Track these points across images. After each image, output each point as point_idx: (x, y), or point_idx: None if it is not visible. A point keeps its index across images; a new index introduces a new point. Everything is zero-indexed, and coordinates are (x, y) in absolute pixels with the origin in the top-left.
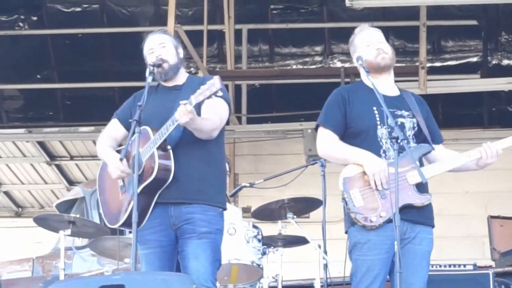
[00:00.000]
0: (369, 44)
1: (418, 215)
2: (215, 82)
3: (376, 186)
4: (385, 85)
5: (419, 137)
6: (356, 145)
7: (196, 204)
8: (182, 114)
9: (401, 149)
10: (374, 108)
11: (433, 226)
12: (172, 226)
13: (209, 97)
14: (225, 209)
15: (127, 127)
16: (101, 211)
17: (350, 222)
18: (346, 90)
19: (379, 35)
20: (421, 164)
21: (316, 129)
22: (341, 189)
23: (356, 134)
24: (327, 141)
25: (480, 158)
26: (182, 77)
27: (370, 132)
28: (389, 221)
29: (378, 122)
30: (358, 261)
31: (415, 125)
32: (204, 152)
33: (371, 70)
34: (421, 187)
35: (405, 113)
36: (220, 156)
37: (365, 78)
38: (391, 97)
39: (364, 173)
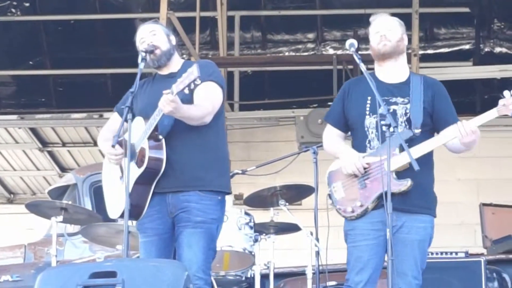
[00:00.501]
0: (377, 31)
1: (402, 203)
2: (194, 70)
3: (352, 175)
4: (390, 72)
5: (410, 123)
6: (353, 136)
7: (193, 191)
8: (165, 104)
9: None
10: (369, 97)
11: (427, 214)
12: (169, 214)
13: (189, 85)
14: (227, 193)
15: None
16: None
17: None
18: (350, 83)
19: (389, 22)
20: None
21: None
22: (326, 183)
23: (352, 125)
24: (325, 137)
25: (456, 136)
26: (176, 64)
27: (359, 123)
28: (374, 208)
29: (367, 112)
30: (350, 248)
31: (407, 111)
32: (199, 139)
33: (376, 57)
34: (402, 174)
35: (400, 99)
36: (218, 141)
37: (375, 65)
38: (390, 84)
39: None
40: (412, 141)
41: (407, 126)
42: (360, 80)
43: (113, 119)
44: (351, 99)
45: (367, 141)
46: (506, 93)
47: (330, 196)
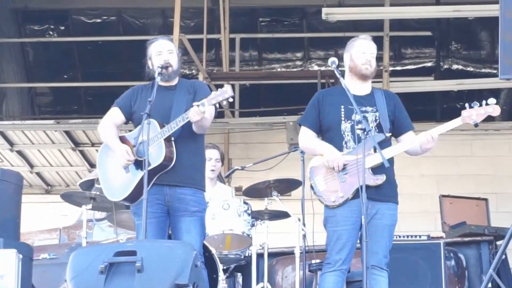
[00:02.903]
0: (364, 52)
1: (376, 194)
2: (227, 90)
3: (334, 169)
4: (359, 86)
5: (380, 128)
6: (327, 138)
7: (188, 187)
8: (195, 114)
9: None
10: (342, 106)
11: (395, 203)
12: (166, 202)
13: (221, 101)
14: (205, 191)
15: (125, 115)
16: (99, 185)
17: None
18: (323, 93)
19: (374, 49)
20: (382, 149)
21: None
22: (308, 177)
23: (326, 129)
24: (303, 137)
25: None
26: (176, 79)
27: (336, 127)
28: (351, 198)
29: (343, 118)
30: (330, 232)
31: (377, 118)
32: (195, 144)
33: (353, 72)
34: (376, 170)
35: (369, 108)
36: (203, 148)
37: (346, 76)
38: (359, 96)
39: None
40: (381, 143)
41: (377, 131)
42: (331, 91)
43: (114, 113)
44: (325, 107)
45: (343, 142)
46: (467, 105)
47: (312, 187)
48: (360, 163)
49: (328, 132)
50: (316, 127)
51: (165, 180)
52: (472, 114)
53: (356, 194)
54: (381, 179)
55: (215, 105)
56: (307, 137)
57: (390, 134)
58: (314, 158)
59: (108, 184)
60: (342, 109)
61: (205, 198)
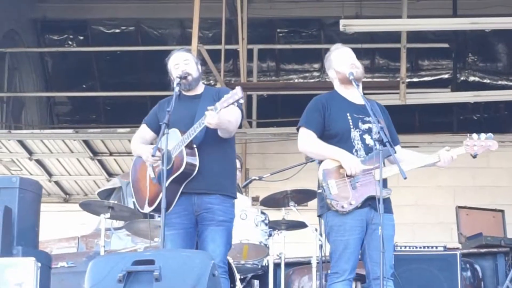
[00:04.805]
0: (343, 58)
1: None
2: (237, 92)
3: (351, 175)
4: (354, 94)
5: (382, 141)
6: (334, 145)
7: (215, 194)
8: (210, 118)
9: (370, 150)
10: (348, 114)
11: (392, 213)
12: (194, 212)
13: (232, 104)
14: (236, 198)
15: (155, 130)
16: (134, 198)
17: (326, 208)
18: (325, 98)
19: (353, 54)
20: (384, 164)
21: (297, 130)
22: (320, 178)
23: (332, 135)
24: (309, 139)
25: (438, 161)
26: (200, 87)
27: (345, 135)
28: (359, 207)
29: (351, 126)
30: (336, 241)
31: (379, 130)
32: (221, 151)
33: (344, 80)
34: (383, 183)
35: (372, 119)
36: (232, 154)
37: (338, 88)
38: (359, 105)
39: (340, 167)
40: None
41: (378, 143)
42: (333, 96)
43: (142, 130)
44: (331, 113)
45: (353, 150)
46: (474, 135)
47: (324, 189)
48: (370, 174)
49: (335, 139)
50: (320, 131)
51: (192, 188)
52: (475, 144)
53: (363, 204)
54: (388, 192)
55: (240, 108)
56: (312, 139)
57: (397, 145)
58: (326, 161)
59: (139, 196)
60: (349, 117)
61: (234, 207)
